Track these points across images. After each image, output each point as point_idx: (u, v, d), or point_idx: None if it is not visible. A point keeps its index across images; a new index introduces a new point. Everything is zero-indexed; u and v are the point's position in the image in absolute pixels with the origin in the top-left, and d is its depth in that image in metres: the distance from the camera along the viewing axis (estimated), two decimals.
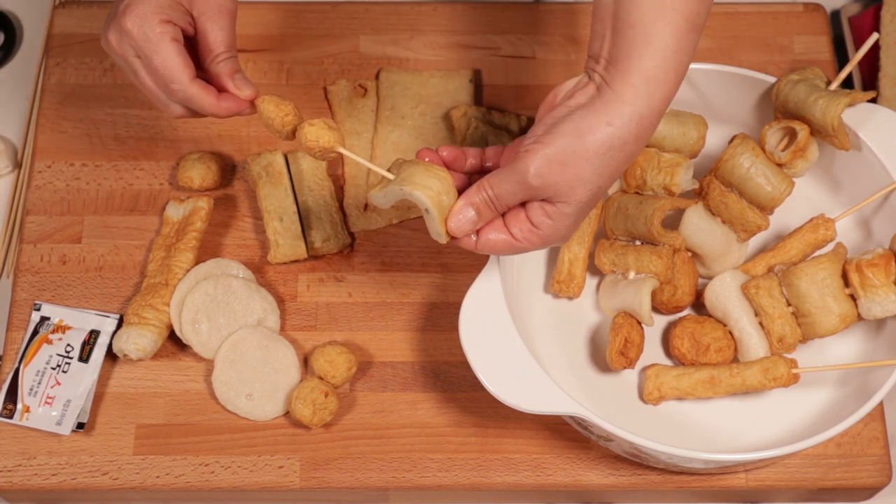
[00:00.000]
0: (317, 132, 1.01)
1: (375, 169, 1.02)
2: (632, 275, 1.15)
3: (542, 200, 0.97)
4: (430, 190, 0.98)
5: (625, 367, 1.13)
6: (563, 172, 0.95)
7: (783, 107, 1.15)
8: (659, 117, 0.96)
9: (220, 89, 1.05)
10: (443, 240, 1.00)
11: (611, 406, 1.15)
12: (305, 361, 1.19)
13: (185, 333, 1.17)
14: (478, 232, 1.00)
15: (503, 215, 1.00)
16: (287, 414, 1.16)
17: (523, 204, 0.99)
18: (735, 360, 1.16)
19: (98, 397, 1.17)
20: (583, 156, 0.95)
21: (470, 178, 1.04)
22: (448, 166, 1.02)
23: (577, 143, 0.95)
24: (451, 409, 1.17)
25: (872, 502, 1.19)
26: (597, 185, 0.96)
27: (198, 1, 1.04)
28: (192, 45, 1.06)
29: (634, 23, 0.94)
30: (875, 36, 1.13)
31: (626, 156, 0.96)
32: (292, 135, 1.04)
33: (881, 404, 1.17)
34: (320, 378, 1.15)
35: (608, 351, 1.13)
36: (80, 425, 1.15)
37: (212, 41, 1.04)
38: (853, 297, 1.11)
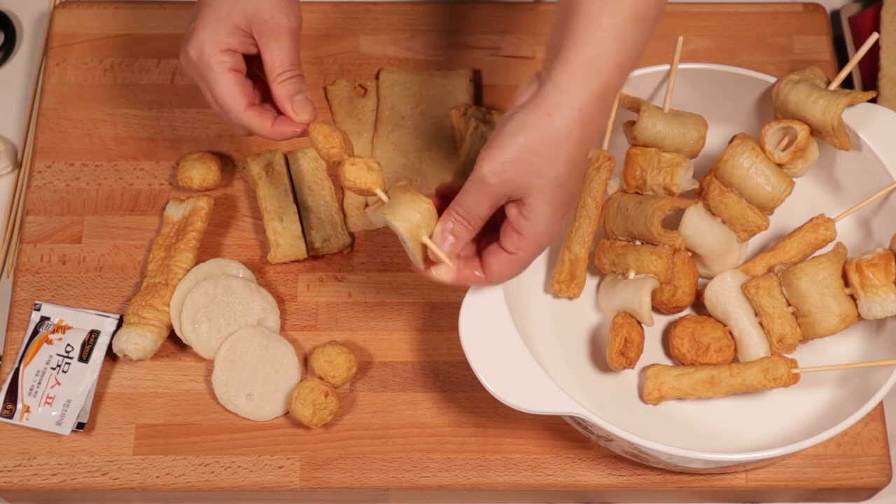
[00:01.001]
0: (356, 172, 1.04)
1: (382, 196, 1.04)
2: (632, 275, 1.15)
3: (512, 203, 0.99)
4: (407, 222, 1.00)
5: (625, 367, 1.13)
6: (516, 169, 0.97)
7: (783, 107, 1.15)
8: (603, 104, 0.97)
9: (281, 110, 1.07)
10: (421, 266, 1.03)
11: (611, 406, 1.15)
12: (305, 361, 1.19)
13: (185, 333, 1.17)
14: (484, 267, 1.02)
15: (499, 239, 1.01)
16: (287, 414, 1.16)
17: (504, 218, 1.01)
18: (735, 360, 1.16)
19: (98, 397, 1.17)
20: (530, 149, 0.96)
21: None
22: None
23: (521, 138, 0.96)
24: (451, 409, 1.17)
25: (872, 502, 1.19)
26: (556, 175, 0.97)
27: (257, 23, 1.05)
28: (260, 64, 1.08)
29: (579, 13, 0.96)
30: (875, 36, 1.13)
31: (577, 142, 0.97)
32: (336, 166, 1.06)
33: (881, 404, 1.17)
34: (320, 378, 1.15)
35: (608, 351, 1.13)
36: (80, 425, 1.15)
37: (269, 62, 1.05)
38: (853, 297, 1.11)
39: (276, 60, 1.05)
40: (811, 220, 1.16)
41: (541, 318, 1.19)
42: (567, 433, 1.16)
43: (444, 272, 1.02)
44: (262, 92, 1.09)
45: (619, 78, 0.98)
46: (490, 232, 1.02)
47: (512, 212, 0.99)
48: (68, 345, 1.18)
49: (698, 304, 1.19)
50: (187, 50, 1.05)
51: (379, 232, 1.24)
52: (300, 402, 1.13)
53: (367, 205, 1.25)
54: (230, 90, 1.05)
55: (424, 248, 1.02)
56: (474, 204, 0.99)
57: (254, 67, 1.08)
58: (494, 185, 0.97)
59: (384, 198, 1.03)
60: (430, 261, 1.03)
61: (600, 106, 0.97)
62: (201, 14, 1.05)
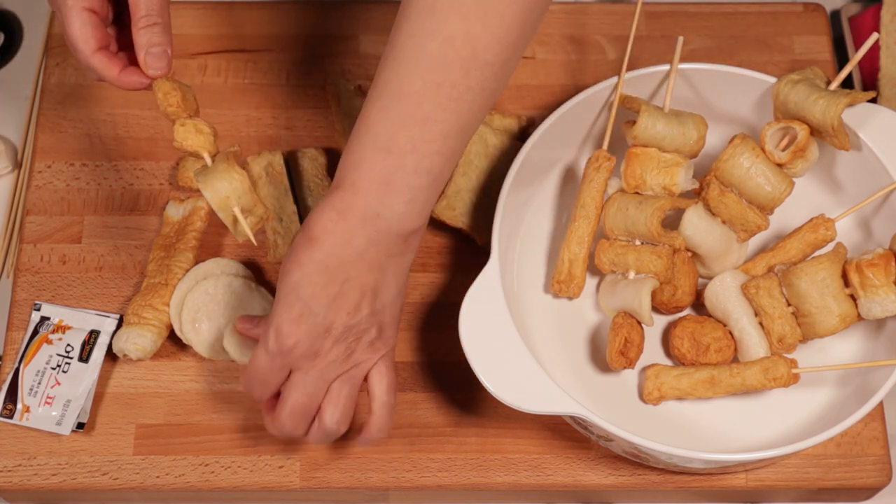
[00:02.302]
0: (184, 133, 1.03)
1: (207, 160, 1.03)
2: (632, 275, 1.15)
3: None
4: (217, 193, 1.00)
5: (625, 367, 1.13)
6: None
7: (783, 107, 1.15)
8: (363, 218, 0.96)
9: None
10: (241, 239, 1.03)
11: (611, 406, 1.15)
12: None
13: (185, 333, 1.17)
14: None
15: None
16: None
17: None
18: (735, 360, 1.16)
19: (98, 397, 1.17)
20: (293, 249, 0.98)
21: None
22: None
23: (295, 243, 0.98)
24: (451, 409, 1.17)
25: (872, 502, 1.19)
26: (287, 283, 0.98)
27: None
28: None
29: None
30: (875, 36, 1.13)
31: (328, 255, 0.97)
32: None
33: (881, 404, 1.17)
34: None
35: (608, 351, 1.13)
36: (80, 425, 1.15)
37: (134, 4, 1.01)
38: (853, 297, 1.11)
39: (141, 3, 1.01)
40: (811, 220, 1.16)
41: (541, 317, 1.19)
42: (567, 433, 1.16)
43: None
44: (125, 41, 1.05)
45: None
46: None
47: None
48: (68, 345, 1.18)
49: (698, 304, 1.19)
50: None
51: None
52: None
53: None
54: (79, 29, 1.00)
55: (237, 222, 1.01)
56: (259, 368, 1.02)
57: (125, 16, 1.04)
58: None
59: (209, 162, 1.02)
60: None
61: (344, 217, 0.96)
62: None
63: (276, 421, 1.04)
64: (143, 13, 1.01)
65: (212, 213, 1.22)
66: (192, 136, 1.03)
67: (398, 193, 0.95)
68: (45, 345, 1.18)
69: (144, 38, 1.01)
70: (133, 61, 1.03)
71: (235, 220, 1.02)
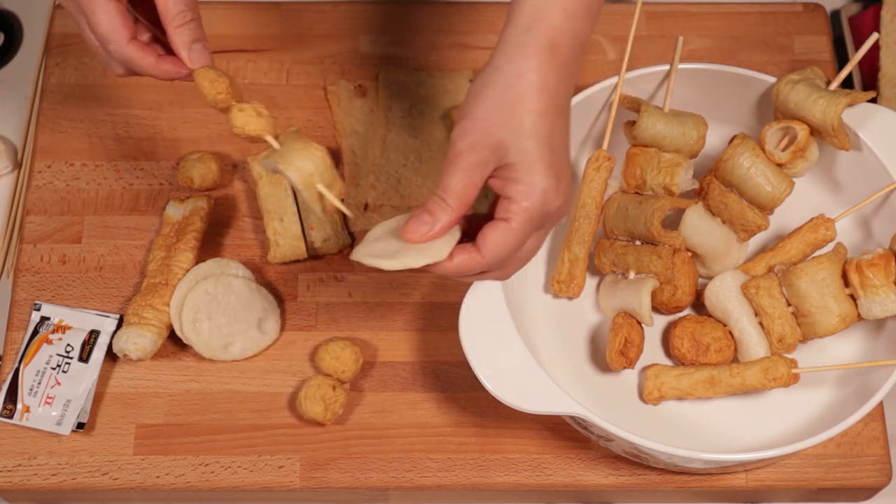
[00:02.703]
0: (244, 118, 1.00)
1: (273, 143, 1.00)
2: (632, 275, 1.15)
3: (498, 171, 0.95)
4: (300, 171, 0.97)
5: (625, 367, 1.13)
6: (482, 129, 0.93)
7: (783, 107, 1.15)
8: (556, 51, 0.94)
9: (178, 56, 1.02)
10: (325, 215, 1.00)
11: (611, 406, 1.15)
12: (310, 361, 1.19)
13: (186, 333, 1.17)
14: (479, 245, 0.96)
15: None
16: (295, 413, 1.16)
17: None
18: (735, 360, 1.16)
19: (98, 397, 1.17)
20: (489, 107, 0.93)
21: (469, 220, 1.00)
22: None
23: (478, 98, 0.94)
24: (451, 409, 1.17)
25: (872, 502, 1.19)
26: (526, 126, 0.93)
27: None
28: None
29: None
30: (875, 36, 1.13)
31: (539, 90, 0.94)
32: (224, 113, 1.02)
33: (881, 404, 1.17)
34: (329, 376, 1.15)
35: (608, 351, 1.13)
36: (80, 425, 1.15)
37: (163, 4, 1.00)
38: (853, 297, 1.11)
39: (170, 3, 1.00)
40: (811, 220, 1.16)
41: (541, 318, 1.19)
42: (567, 433, 1.16)
43: (439, 267, 0.96)
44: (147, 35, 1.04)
45: (570, 27, 0.95)
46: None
47: (496, 182, 0.95)
48: (68, 345, 1.18)
49: (698, 304, 1.19)
50: None
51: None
52: (309, 400, 1.13)
53: (366, 206, 1.25)
54: (111, 19, 0.99)
55: (323, 198, 0.98)
56: (453, 179, 0.94)
57: (138, 14, 1.03)
58: (465, 153, 0.93)
59: (275, 144, 1.00)
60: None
61: (553, 52, 0.94)
62: None
63: (500, 271, 0.98)
64: (175, 11, 1.00)
65: (212, 214, 1.22)
66: (253, 119, 1.00)
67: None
68: (45, 345, 1.18)
69: (184, 35, 1.00)
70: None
71: (320, 196, 0.98)
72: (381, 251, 0.96)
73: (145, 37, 1.04)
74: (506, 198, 0.95)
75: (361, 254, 0.96)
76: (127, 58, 1.01)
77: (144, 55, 1.01)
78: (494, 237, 0.95)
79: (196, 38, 1.01)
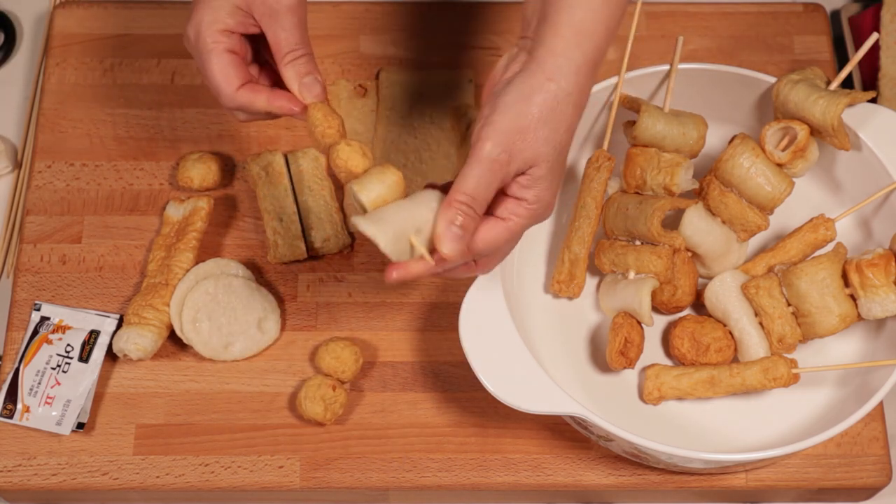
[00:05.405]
0: (350, 153, 1.00)
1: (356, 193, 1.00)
2: (632, 275, 1.15)
3: (515, 176, 0.96)
4: (370, 193, 0.97)
5: (625, 367, 1.13)
6: (524, 140, 0.94)
7: (783, 107, 1.15)
8: (594, 68, 0.97)
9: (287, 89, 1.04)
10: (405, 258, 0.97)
11: (611, 406, 1.15)
12: (310, 360, 1.19)
13: (186, 333, 1.17)
14: (473, 241, 0.96)
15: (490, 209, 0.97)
16: (295, 413, 1.16)
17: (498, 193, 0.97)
18: (735, 360, 1.16)
19: (98, 397, 1.17)
20: (535, 117, 0.94)
21: None
22: None
23: (525, 107, 0.94)
24: (451, 409, 1.17)
25: (872, 502, 1.19)
26: (557, 142, 0.95)
27: (256, 3, 1.02)
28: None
29: None
30: (875, 36, 1.13)
31: (574, 107, 0.96)
32: (327, 150, 1.02)
33: (881, 404, 1.17)
34: (329, 376, 1.15)
35: (608, 351, 1.13)
36: (80, 425, 1.15)
37: (274, 44, 1.02)
38: (853, 297, 1.11)
39: (281, 41, 1.02)
40: (811, 220, 1.16)
41: (541, 317, 1.19)
42: (567, 433, 1.16)
43: (422, 265, 0.96)
44: (272, 78, 1.06)
45: (607, 41, 0.97)
46: None
47: (512, 185, 0.96)
48: (68, 345, 1.18)
49: (698, 304, 1.19)
50: (187, 30, 1.03)
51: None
52: (309, 400, 1.13)
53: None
54: (221, 70, 1.02)
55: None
56: (482, 187, 0.93)
57: (264, 53, 1.06)
58: (503, 162, 0.93)
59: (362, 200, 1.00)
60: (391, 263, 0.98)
61: (593, 70, 0.96)
62: None
63: (486, 246, 0.98)
64: (286, 49, 1.02)
65: (212, 214, 1.22)
66: (358, 157, 1.00)
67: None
68: (45, 345, 1.18)
69: (293, 70, 1.02)
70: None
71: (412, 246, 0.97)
72: (387, 230, 0.95)
73: (266, 82, 1.06)
74: (513, 198, 0.96)
75: (368, 224, 0.95)
76: (238, 105, 1.03)
77: (256, 95, 1.02)
78: (491, 235, 0.96)
79: (307, 72, 1.02)
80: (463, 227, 0.93)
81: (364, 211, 0.98)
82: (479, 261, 1.00)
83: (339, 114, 1.03)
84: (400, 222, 0.95)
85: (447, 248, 0.94)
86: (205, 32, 1.02)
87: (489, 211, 0.97)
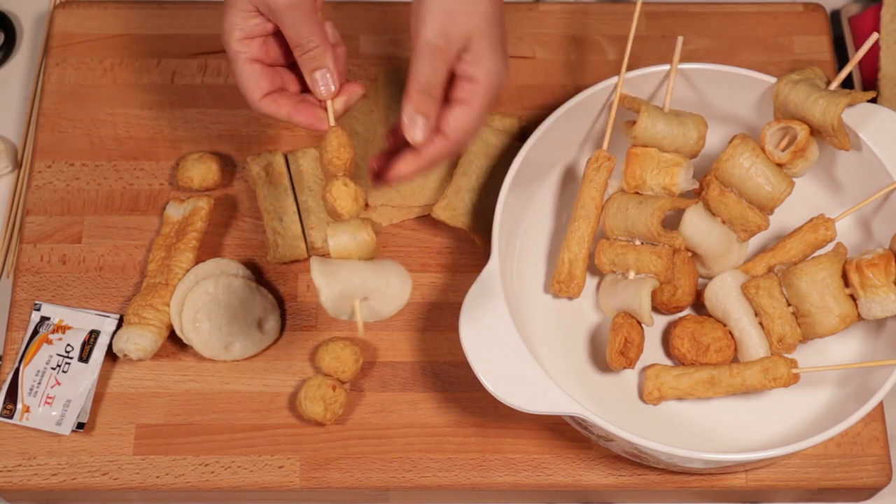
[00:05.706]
0: (341, 192, 1.01)
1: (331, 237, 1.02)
2: (632, 275, 1.15)
3: (459, 56, 1.01)
4: (338, 243, 1.00)
5: (625, 367, 1.13)
6: (452, 19, 0.99)
7: (783, 107, 1.15)
8: None
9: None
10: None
11: (611, 406, 1.15)
12: (310, 361, 1.19)
13: (186, 332, 1.17)
14: (442, 130, 1.01)
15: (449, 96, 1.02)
16: (295, 413, 1.16)
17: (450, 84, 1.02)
18: (735, 360, 1.16)
19: (98, 397, 1.17)
20: None
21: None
22: None
23: None
24: (451, 409, 1.17)
25: (872, 502, 1.19)
26: (484, 13, 1.00)
27: (260, 4, 1.03)
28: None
29: None
30: (875, 36, 1.13)
31: None
32: (327, 177, 1.03)
33: (881, 404, 1.17)
34: (329, 376, 1.15)
35: (608, 351, 1.13)
36: (80, 425, 1.15)
37: (288, 40, 1.03)
38: (853, 297, 1.11)
39: (292, 36, 1.03)
40: (811, 220, 1.16)
41: (541, 317, 1.19)
42: (567, 433, 1.16)
43: (410, 162, 1.02)
44: (302, 80, 1.07)
45: None
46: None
47: (458, 66, 1.01)
48: (68, 345, 1.18)
49: (698, 304, 1.19)
50: (221, 34, 1.04)
51: (379, 232, 1.24)
52: (309, 400, 1.13)
53: (366, 206, 1.25)
54: (243, 81, 1.04)
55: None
56: (431, 73, 1.00)
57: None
58: (442, 46, 0.99)
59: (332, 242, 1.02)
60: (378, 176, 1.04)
61: None
62: None
63: (456, 132, 1.03)
64: (294, 45, 1.03)
65: (212, 214, 1.22)
66: (348, 200, 1.01)
67: None
68: (45, 345, 1.18)
69: (304, 66, 1.03)
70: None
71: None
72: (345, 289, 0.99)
73: (296, 85, 1.07)
74: (466, 79, 1.01)
75: (322, 273, 0.98)
76: (262, 112, 1.04)
77: (279, 108, 1.04)
78: (458, 120, 1.02)
79: (315, 67, 1.03)
80: (425, 114, 1.00)
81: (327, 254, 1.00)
82: (458, 147, 1.04)
83: (353, 147, 1.03)
84: (351, 285, 0.99)
85: (414, 135, 1.01)
86: (228, 40, 1.03)
87: (449, 97, 1.02)
